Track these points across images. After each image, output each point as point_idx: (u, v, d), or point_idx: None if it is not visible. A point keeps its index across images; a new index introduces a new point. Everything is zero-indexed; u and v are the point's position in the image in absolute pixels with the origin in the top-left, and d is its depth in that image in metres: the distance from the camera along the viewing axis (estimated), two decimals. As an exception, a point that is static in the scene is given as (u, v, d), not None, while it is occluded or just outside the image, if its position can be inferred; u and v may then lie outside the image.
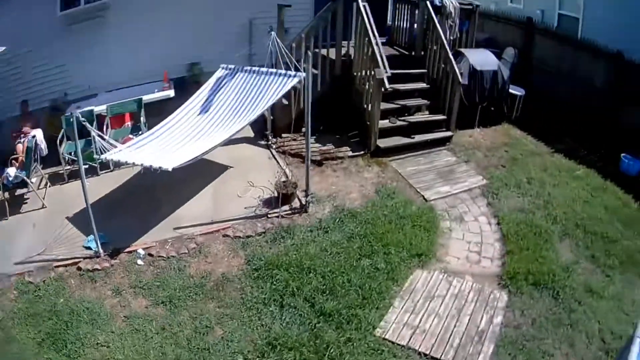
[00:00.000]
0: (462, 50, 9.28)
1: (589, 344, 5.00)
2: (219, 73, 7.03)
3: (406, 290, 5.41)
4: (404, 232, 6.16)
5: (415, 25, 9.29)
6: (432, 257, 5.91)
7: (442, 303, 5.27)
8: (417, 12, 9.08)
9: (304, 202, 6.54)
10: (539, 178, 7.74)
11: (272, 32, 6.73)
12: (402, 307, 5.19)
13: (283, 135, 8.14)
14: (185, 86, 8.80)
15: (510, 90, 9.56)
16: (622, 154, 8.62)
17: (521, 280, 5.60)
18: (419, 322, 5.03)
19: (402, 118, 8.32)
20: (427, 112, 8.62)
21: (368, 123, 7.82)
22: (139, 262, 5.77)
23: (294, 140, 8.04)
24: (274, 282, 5.42)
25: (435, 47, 8.60)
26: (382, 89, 7.42)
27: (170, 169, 5.49)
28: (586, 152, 8.85)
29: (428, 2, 8.71)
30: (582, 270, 5.92)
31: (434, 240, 6.15)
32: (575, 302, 5.43)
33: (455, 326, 5.01)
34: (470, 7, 9.55)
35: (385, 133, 7.99)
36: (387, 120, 8.11)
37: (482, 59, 9.16)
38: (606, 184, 7.81)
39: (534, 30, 11.53)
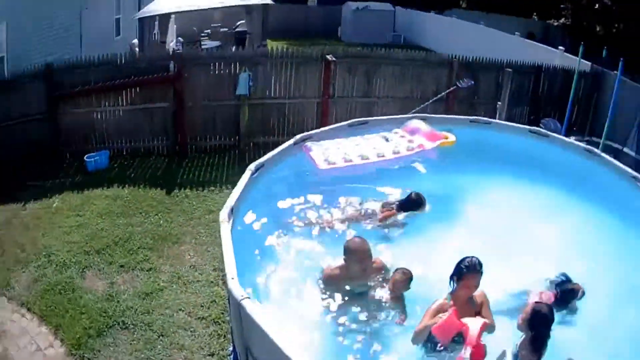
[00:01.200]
0: None
1: (204, 333, 5.03)
2: None
3: None
4: None
5: None
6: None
7: None
8: None
9: None
10: (31, 241, 6.58)
11: None
12: None
13: None
14: None
15: None
16: (86, 156, 8.48)
17: (88, 341, 4.98)
18: None
19: None
20: None
21: None
22: None
23: None
24: None
25: None
26: None
27: None
28: (41, 184, 7.99)
29: None
30: (124, 285, 5.74)
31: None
32: (143, 314, 5.32)
33: None
34: None
35: None
36: None
37: None
38: (91, 194, 7.53)
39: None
